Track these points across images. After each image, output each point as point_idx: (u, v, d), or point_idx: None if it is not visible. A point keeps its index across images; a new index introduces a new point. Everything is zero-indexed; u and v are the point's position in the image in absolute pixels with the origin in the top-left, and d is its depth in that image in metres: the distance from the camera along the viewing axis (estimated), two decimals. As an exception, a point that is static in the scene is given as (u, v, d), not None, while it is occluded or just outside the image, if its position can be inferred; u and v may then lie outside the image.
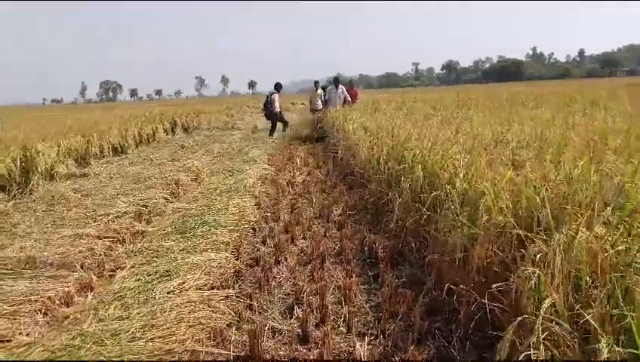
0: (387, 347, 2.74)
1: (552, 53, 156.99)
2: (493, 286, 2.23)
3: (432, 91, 39.17)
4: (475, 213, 2.83)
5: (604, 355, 1.60)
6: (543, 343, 1.72)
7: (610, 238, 1.97)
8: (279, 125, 14.36)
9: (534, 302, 1.92)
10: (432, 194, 3.58)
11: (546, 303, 1.74)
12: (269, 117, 14.41)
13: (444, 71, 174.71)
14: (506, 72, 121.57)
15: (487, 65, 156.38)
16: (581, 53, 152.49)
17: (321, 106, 14.34)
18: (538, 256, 1.98)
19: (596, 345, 1.62)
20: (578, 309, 1.84)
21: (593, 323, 1.67)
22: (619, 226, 2.11)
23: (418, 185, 4.08)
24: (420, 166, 4.15)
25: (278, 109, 14.11)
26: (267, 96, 14.30)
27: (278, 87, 14.45)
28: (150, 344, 2.67)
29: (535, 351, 1.73)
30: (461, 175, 3.41)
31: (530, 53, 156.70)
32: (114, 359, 2.55)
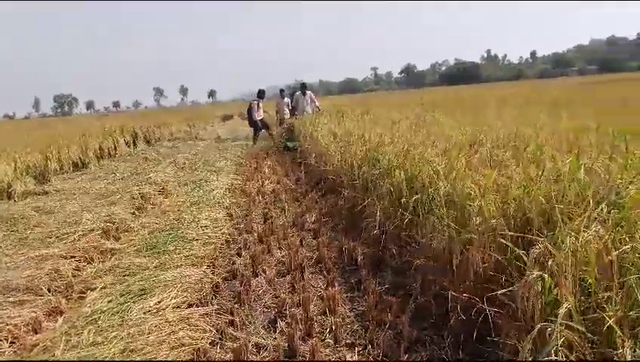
0: (378, 357, 2.68)
1: (506, 55, 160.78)
2: (499, 292, 2.17)
3: (393, 95, 39.61)
4: (462, 216, 2.79)
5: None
6: (562, 350, 1.68)
7: (611, 238, 1.95)
8: (262, 133, 14.23)
9: (543, 307, 1.88)
10: (414, 198, 3.54)
11: (563, 308, 1.70)
12: (251, 124, 14.30)
13: (403, 75, 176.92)
14: (462, 74, 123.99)
15: (444, 68, 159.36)
16: (533, 54, 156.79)
17: (288, 115, 14.23)
18: (550, 260, 1.93)
19: (617, 351, 1.59)
20: (591, 312, 1.81)
21: (615, 326, 1.63)
22: (617, 225, 2.10)
23: (397, 189, 4.03)
24: (397, 170, 4.10)
25: (258, 117, 13.97)
26: (249, 103, 14.21)
27: (260, 93, 14.37)
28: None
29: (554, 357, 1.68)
30: (442, 177, 3.38)
31: (485, 55, 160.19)
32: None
